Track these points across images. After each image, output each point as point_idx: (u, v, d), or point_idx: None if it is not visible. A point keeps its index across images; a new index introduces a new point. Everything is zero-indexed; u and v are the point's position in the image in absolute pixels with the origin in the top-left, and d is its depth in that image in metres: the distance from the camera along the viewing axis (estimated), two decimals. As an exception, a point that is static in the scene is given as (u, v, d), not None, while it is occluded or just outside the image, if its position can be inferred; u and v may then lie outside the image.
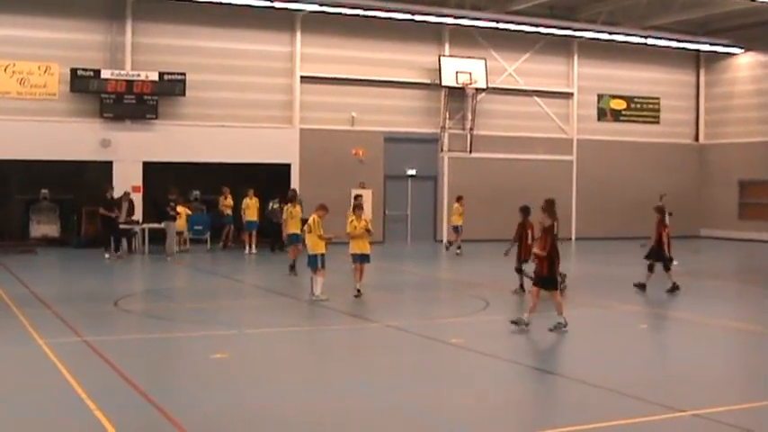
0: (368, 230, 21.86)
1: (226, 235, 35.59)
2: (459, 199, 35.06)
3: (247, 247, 33.50)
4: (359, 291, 21.32)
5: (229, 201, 35.53)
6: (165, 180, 34.95)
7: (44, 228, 36.33)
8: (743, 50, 45.03)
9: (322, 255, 21.06)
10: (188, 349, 15.69)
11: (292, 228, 26.14)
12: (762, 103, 44.17)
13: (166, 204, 31.49)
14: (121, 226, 32.04)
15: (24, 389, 12.21)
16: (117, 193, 32.44)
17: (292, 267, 25.96)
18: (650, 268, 23.40)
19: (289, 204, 26.84)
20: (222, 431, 10.19)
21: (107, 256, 30.53)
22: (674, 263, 23.71)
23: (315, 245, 21.08)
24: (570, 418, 10.87)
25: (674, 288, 22.85)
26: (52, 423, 10.50)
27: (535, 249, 17.69)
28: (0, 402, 11.39)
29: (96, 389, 11.83)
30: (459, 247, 33.99)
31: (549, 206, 18.78)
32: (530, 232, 22.27)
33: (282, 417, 11.02)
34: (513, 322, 17.22)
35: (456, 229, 34.56)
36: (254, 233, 33.89)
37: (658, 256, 23.51)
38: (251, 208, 34.32)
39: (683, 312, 19.95)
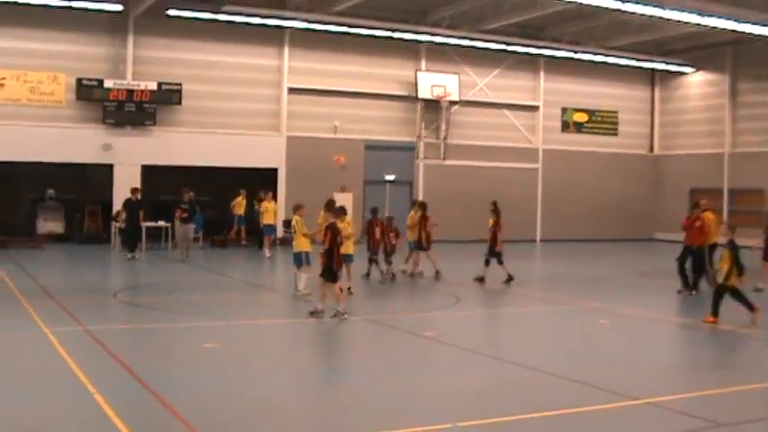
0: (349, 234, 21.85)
1: (236, 233, 35.62)
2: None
3: (266, 250, 32.10)
4: (349, 289, 21.26)
5: (243, 202, 35.44)
6: (162, 182, 35.03)
7: (50, 225, 36.27)
8: (694, 70, 45.29)
9: (306, 253, 21.08)
10: (180, 338, 15.73)
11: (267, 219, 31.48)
12: (710, 118, 44.43)
13: (177, 206, 30.55)
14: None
15: (31, 373, 12.25)
16: (118, 198, 32.39)
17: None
18: (487, 263, 24.45)
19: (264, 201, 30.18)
20: (211, 413, 10.25)
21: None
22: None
23: (300, 243, 21.11)
24: (533, 406, 10.96)
25: (509, 279, 24.18)
26: (56, 404, 10.55)
27: (323, 247, 17.84)
28: (9, 384, 11.46)
29: (96, 374, 11.89)
30: None
31: (329, 205, 19.55)
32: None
33: (267, 400, 11.11)
34: (311, 313, 17.60)
35: None
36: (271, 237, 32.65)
37: (492, 252, 24.58)
38: (269, 212, 32.38)
39: (639, 309, 20.06)
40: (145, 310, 19.24)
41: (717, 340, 17.05)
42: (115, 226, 32.99)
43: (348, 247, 21.47)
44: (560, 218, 43.66)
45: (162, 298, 21.11)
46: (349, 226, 21.77)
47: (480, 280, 24.31)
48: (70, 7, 32.61)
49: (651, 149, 47.88)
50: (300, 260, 21.10)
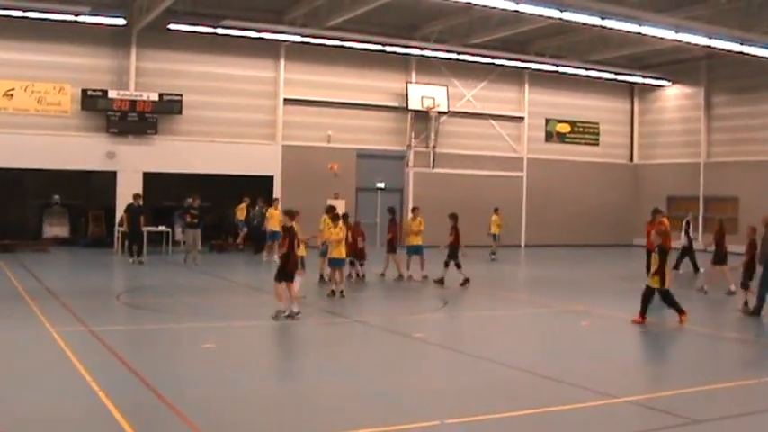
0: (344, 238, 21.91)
1: (238, 237, 35.59)
2: (496, 211, 35.66)
3: (264, 255, 31.91)
4: (342, 292, 21.26)
5: (244, 207, 35.30)
6: (163, 188, 35.00)
7: (56, 229, 36.23)
8: (671, 83, 45.45)
9: (302, 257, 21.10)
10: (181, 339, 15.72)
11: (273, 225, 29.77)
12: (686, 129, 44.58)
13: (186, 212, 30.49)
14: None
15: (37, 371, 12.24)
16: (121, 204, 32.30)
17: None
18: (446, 264, 24.87)
19: (270, 207, 29.06)
20: (210, 410, 10.24)
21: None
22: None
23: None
24: (518, 404, 10.97)
25: (466, 281, 24.39)
26: (61, 401, 10.54)
27: (281, 249, 18.33)
28: (16, 381, 11.45)
29: (99, 372, 11.87)
30: (493, 254, 34.35)
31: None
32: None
33: (262, 398, 11.12)
34: (274, 316, 17.61)
35: (494, 237, 34.88)
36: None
37: (454, 255, 24.98)
38: (274, 218, 30.82)
39: (618, 312, 20.09)
40: (147, 311, 19.21)
41: (693, 340, 17.09)
42: (118, 230, 32.94)
43: (340, 252, 21.48)
44: (544, 224, 43.71)
45: (163, 300, 21.08)
46: (341, 231, 21.76)
47: (441, 281, 24.66)
48: (76, 21, 32.62)
49: (631, 159, 47.98)
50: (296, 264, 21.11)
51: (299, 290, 20.73)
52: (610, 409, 10.81)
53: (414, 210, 27.92)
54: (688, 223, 30.55)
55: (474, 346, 15.70)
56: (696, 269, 29.04)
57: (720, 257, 23.83)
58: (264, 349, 15.29)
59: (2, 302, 19.43)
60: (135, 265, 28.87)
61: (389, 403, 10.93)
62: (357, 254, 25.14)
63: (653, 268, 18.15)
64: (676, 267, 24.35)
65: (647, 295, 18.09)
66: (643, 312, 18.02)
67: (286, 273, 17.67)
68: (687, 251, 29.54)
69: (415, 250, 26.10)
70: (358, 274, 25.28)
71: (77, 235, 36.06)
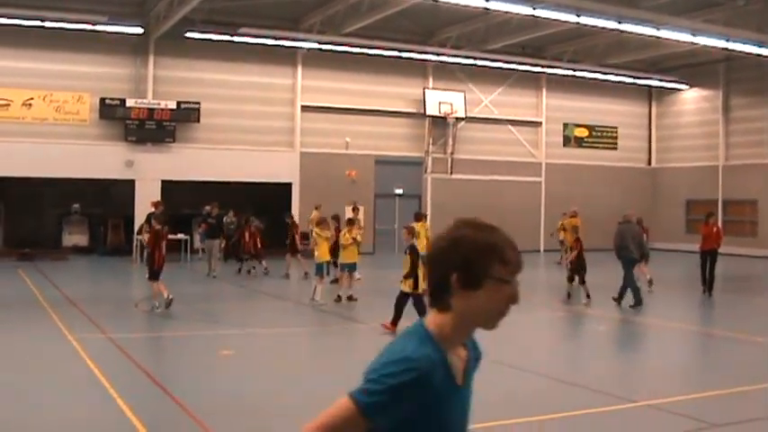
0: (355, 240, 21.89)
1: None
2: (575, 214, 34.29)
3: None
4: (349, 297, 21.31)
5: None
6: (181, 196, 35.08)
7: (75, 238, 36.41)
8: (688, 86, 45.29)
9: (327, 263, 21.20)
10: (198, 346, 15.75)
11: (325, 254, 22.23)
12: (704, 133, 44.41)
13: (204, 221, 29.45)
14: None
15: (56, 377, 12.30)
16: (139, 212, 32.24)
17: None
18: None
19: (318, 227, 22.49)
20: (227, 417, 10.27)
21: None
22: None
23: (322, 254, 21.20)
24: (532, 409, 10.95)
25: None
26: (79, 407, 10.61)
27: (147, 247, 19.85)
28: (36, 387, 11.48)
29: (118, 379, 11.92)
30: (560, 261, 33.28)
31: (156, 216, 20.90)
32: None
33: (280, 404, 11.11)
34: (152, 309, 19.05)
35: (562, 243, 33.68)
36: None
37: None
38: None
39: (636, 316, 20.02)
40: (164, 318, 19.25)
41: (710, 344, 17.01)
42: (137, 239, 33.00)
43: (350, 256, 21.44)
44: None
45: (181, 307, 21.12)
46: (350, 235, 21.76)
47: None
48: (94, 30, 32.79)
49: (649, 162, 47.85)
50: (322, 270, 21.17)
51: (321, 297, 20.77)
52: (627, 414, 10.77)
53: (349, 220, 23.67)
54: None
55: (488, 351, 15.62)
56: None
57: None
58: (282, 356, 15.28)
59: (22, 310, 19.55)
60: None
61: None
62: (253, 253, 27.96)
63: (404, 271, 16.62)
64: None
65: (401, 300, 16.60)
66: (396, 319, 16.49)
67: (153, 271, 19.14)
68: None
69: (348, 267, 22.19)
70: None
71: (96, 243, 36.21)
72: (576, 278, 22.07)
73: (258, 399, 11.23)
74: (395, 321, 16.42)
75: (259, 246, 28.98)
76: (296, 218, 31.46)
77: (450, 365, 3.19)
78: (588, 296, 21.31)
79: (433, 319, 3.21)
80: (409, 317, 15.14)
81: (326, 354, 15.64)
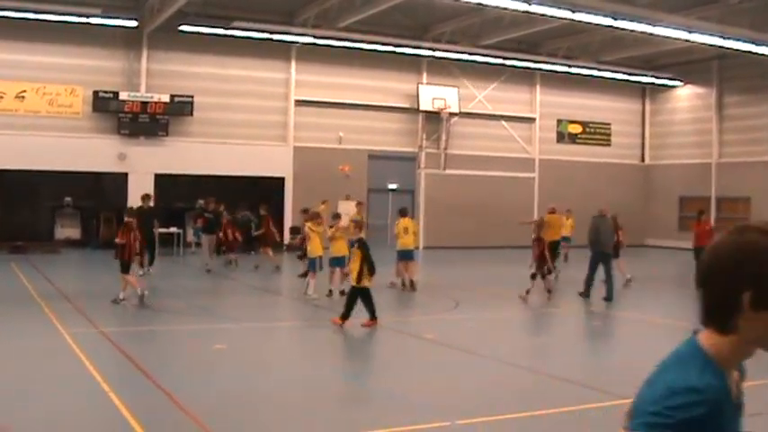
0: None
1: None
2: (568, 211, 34.73)
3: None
4: (341, 292, 21.28)
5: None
6: (174, 190, 35.04)
7: (68, 231, 36.31)
8: (682, 83, 45.34)
9: (320, 258, 21.17)
10: (191, 340, 15.71)
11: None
12: (698, 130, 44.46)
13: (200, 216, 29.27)
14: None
15: (48, 372, 12.25)
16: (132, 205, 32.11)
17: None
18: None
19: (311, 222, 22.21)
20: (220, 411, 10.23)
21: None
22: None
23: (314, 249, 21.16)
24: (529, 405, 10.93)
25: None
26: (72, 403, 10.54)
27: (117, 240, 19.89)
28: (27, 382, 11.43)
29: (111, 374, 11.89)
30: (565, 257, 32.89)
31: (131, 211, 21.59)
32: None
33: (274, 399, 11.09)
34: (113, 301, 19.18)
35: (567, 240, 33.43)
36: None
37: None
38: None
39: (631, 312, 20.05)
40: (157, 312, 19.22)
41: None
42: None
43: (338, 249, 21.34)
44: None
45: (174, 301, 21.09)
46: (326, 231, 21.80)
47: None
48: (87, 23, 32.72)
49: (642, 159, 47.89)
50: (314, 265, 21.14)
51: (314, 291, 20.77)
52: (622, 409, 10.73)
53: (335, 215, 23.24)
54: None
55: (485, 347, 15.65)
56: None
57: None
58: (276, 351, 15.26)
59: (13, 304, 19.47)
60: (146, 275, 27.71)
61: (401, 404, 10.89)
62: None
63: (354, 266, 16.51)
64: None
65: (354, 296, 16.51)
66: (345, 314, 16.36)
67: (123, 264, 19.42)
68: None
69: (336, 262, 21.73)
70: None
71: (89, 237, 36.11)
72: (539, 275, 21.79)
73: (250, 392, 11.20)
74: (344, 316, 16.35)
75: (232, 238, 29.46)
76: (288, 212, 31.46)
77: (730, 391, 2.79)
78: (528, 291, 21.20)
79: (710, 339, 2.73)
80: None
81: (317, 348, 15.61)
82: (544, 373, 12.92)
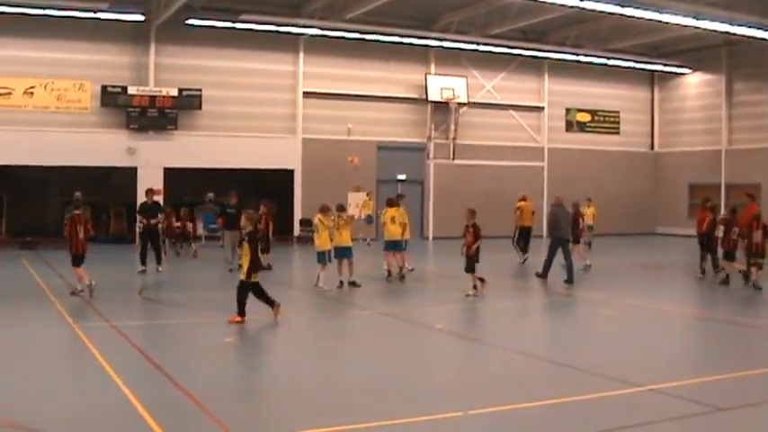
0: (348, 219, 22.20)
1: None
2: (589, 199, 34.50)
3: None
4: (352, 283, 21.33)
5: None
6: (184, 184, 35.07)
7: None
8: (691, 71, 45.19)
9: (329, 251, 21.16)
10: (202, 333, 15.72)
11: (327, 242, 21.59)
12: (707, 117, 44.34)
13: (223, 212, 26.41)
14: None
15: (60, 366, 12.31)
16: (141, 200, 32.13)
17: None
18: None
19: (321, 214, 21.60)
20: (232, 404, 10.26)
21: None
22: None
23: (323, 242, 21.14)
24: (540, 394, 10.90)
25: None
26: (84, 395, 10.59)
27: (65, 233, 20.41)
28: (40, 376, 11.49)
29: (123, 367, 11.90)
30: (589, 245, 31.77)
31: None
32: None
33: (285, 390, 11.09)
34: (71, 293, 19.31)
35: (591, 227, 32.97)
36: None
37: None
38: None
39: (641, 300, 20.00)
40: (168, 306, 19.26)
41: (714, 329, 16.98)
42: (139, 227, 32.89)
43: (341, 240, 21.33)
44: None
45: (185, 295, 21.14)
46: (346, 221, 21.80)
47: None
48: (95, 18, 32.75)
49: (652, 147, 47.77)
50: (324, 258, 21.13)
51: (324, 283, 20.79)
52: (633, 398, 10.73)
53: (339, 207, 22.77)
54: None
55: (495, 337, 15.66)
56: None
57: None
58: (285, 342, 15.27)
59: (25, 299, 19.55)
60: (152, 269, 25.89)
61: (413, 394, 10.89)
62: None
63: (244, 259, 16.19)
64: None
65: (245, 291, 16.09)
66: (240, 311, 15.97)
67: (76, 256, 19.57)
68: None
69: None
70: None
71: (99, 231, 36.11)
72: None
73: (261, 384, 11.23)
74: (240, 313, 15.96)
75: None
76: (297, 204, 31.32)
77: None
78: (475, 287, 20.37)
79: None
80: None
81: (329, 339, 15.62)
82: (555, 362, 12.90)
